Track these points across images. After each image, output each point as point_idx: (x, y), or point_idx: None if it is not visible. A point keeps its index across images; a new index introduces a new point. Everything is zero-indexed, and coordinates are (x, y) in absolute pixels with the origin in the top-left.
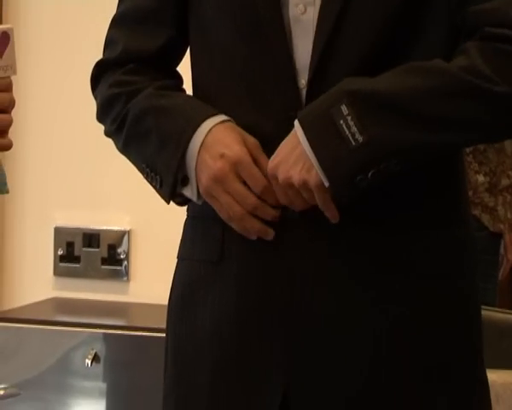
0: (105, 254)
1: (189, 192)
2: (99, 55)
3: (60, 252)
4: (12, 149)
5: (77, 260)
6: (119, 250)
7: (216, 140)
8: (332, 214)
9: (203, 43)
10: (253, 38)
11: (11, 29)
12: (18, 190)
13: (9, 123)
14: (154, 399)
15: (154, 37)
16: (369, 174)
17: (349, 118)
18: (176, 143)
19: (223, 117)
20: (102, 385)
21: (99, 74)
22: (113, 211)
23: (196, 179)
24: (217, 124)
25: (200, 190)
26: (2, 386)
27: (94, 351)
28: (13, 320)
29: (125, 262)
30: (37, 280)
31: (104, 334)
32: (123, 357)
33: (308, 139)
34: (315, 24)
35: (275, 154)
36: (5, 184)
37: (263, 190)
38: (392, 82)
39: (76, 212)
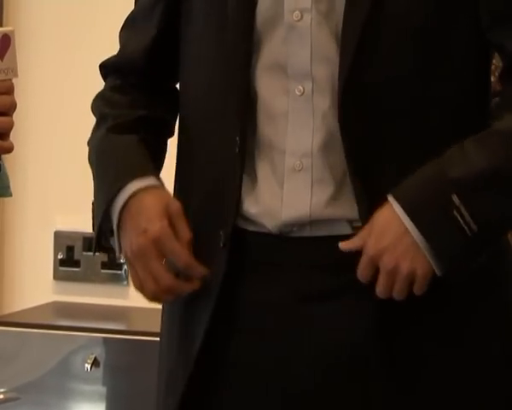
0: (105, 259)
1: (113, 243)
2: (101, 58)
3: (60, 256)
4: (12, 153)
5: (77, 264)
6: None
7: (139, 210)
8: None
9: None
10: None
11: (12, 31)
12: (18, 194)
13: (10, 126)
14: (153, 403)
15: (144, 34)
16: (482, 256)
17: (462, 208)
18: (104, 195)
19: (150, 181)
20: (102, 389)
21: (104, 77)
22: None
23: (119, 239)
24: (141, 189)
25: (122, 254)
26: (2, 390)
27: (94, 355)
28: (13, 324)
29: (125, 266)
30: (37, 284)
31: (104, 338)
32: (123, 361)
33: (419, 230)
34: (311, 31)
35: (373, 236)
36: (8, 187)
37: (185, 265)
38: (485, 157)
39: (76, 216)
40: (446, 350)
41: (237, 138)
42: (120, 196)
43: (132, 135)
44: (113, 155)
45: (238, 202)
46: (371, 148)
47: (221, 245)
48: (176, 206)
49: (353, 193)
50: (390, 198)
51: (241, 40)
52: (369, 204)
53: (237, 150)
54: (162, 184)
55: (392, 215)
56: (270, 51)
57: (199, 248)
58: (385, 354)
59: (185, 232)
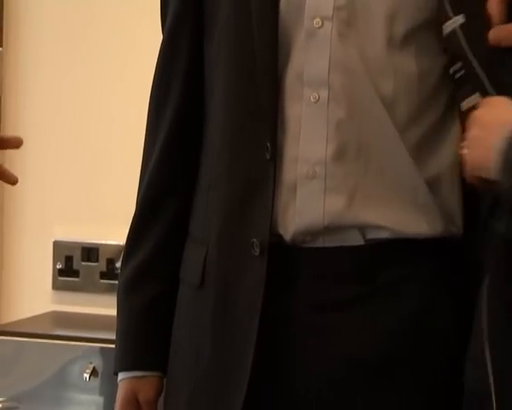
0: (104, 269)
1: None
2: (99, 64)
3: (59, 266)
4: (11, 163)
5: (76, 274)
6: (118, 265)
7: (118, 396)
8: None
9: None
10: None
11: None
12: (17, 204)
13: None
14: None
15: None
16: None
17: None
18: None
19: (134, 373)
20: (100, 399)
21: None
22: (112, 225)
23: None
24: (124, 379)
25: None
26: (1, 399)
27: (92, 365)
28: (11, 334)
29: None
30: (36, 294)
31: (102, 348)
32: None
33: None
34: (331, 39)
35: None
36: None
37: None
38: None
39: (75, 226)
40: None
41: (268, 144)
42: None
43: (146, 295)
44: (121, 324)
45: (272, 209)
46: None
47: (256, 254)
48: (144, 397)
49: None
50: None
51: (267, 45)
52: None
53: (269, 156)
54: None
55: None
56: (289, 56)
57: (227, 259)
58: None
59: None
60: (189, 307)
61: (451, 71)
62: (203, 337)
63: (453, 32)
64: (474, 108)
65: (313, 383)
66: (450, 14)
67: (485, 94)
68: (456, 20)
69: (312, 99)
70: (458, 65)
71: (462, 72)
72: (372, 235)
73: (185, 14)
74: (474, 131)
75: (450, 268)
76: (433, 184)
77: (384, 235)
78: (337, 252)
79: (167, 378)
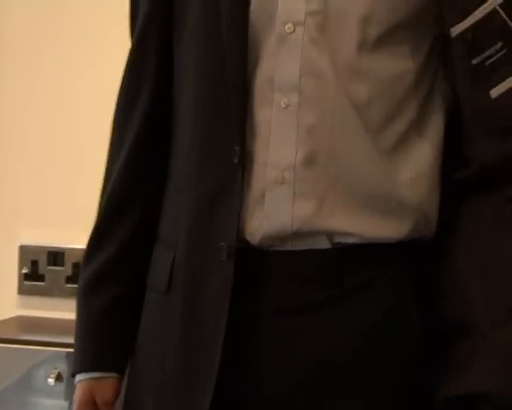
0: (69, 273)
1: None
2: (69, 66)
3: (24, 270)
4: None
5: (41, 278)
6: None
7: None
8: None
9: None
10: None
11: None
12: None
13: None
14: None
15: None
16: None
17: None
18: None
19: (91, 375)
20: (65, 404)
21: None
22: (78, 230)
23: None
24: (82, 380)
25: None
26: None
27: (57, 370)
28: None
29: None
30: (2, 298)
31: (68, 353)
32: None
33: None
34: (303, 45)
35: None
36: None
37: None
38: None
39: (41, 230)
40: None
41: (236, 148)
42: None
43: (107, 297)
44: (80, 326)
45: (240, 214)
46: None
47: (224, 257)
48: (101, 398)
49: None
50: None
51: (236, 49)
52: None
53: (237, 160)
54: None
55: None
56: (259, 61)
57: (195, 261)
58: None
59: None
60: (156, 312)
61: (476, 62)
62: (170, 340)
63: (492, 12)
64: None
65: (280, 387)
66: None
67: None
68: (495, 0)
69: (283, 104)
70: (495, 48)
71: (502, 53)
72: (339, 239)
73: (155, 16)
74: None
75: (419, 270)
76: (409, 186)
77: (352, 240)
78: (305, 255)
79: (130, 382)
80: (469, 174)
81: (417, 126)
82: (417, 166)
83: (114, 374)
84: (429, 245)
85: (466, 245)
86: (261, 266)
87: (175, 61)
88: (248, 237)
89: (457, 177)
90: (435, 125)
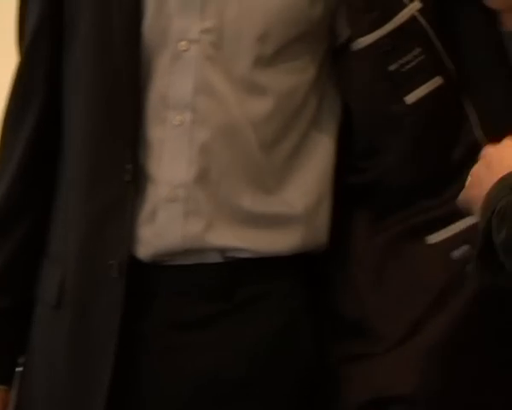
0: None
1: None
2: None
3: None
4: None
5: None
6: None
7: None
8: None
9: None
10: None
11: None
12: None
13: None
14: None
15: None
16: None
17: None
18: None
19: None
20: None
21: None
22: None
23: None
24: None
25: None
26: None
27: None
28: None
29: None
30: None
31: None
32: None
33: None
34: (197, 63)
35: None
36: None
37: None
38: None
39: None
40: None
41: (128, 166)
42: None
43: None
44: None
45: (131, 231)
46: None
47: (114, 275)
48: None
49: None
50: None
51: (129, 66)
52: None
53: (129, 178)
54: None
55: None
56: (153, 78)
57: (85, 278)
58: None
59: None
60: (46, 326)
61: (393, 68)
62: (59, 355)
63: (411, 19)
64: (430, 94)
65: (171, 402)
66: (405, 1)
67: (448, 76)
68: (414, 6)
69: (176, 122)
70: (413, 54)
71: (420, 59)
72: (231, 254)
73: (47, 18)
74: (478, 168)
75: (311, 282)
76: (298, 201)
77: (243, 255)
78: (196, 270)
79: (20, 394)
80: (364, 181)
81: (309, 139)
82: (307, 180)
83: (2, 386)
84: (324, 255)
85: (358, 256)
86: (152, 281)
87: (65, 70)
88: (140, 255)
89: (351, 183)
90: (326, 138)
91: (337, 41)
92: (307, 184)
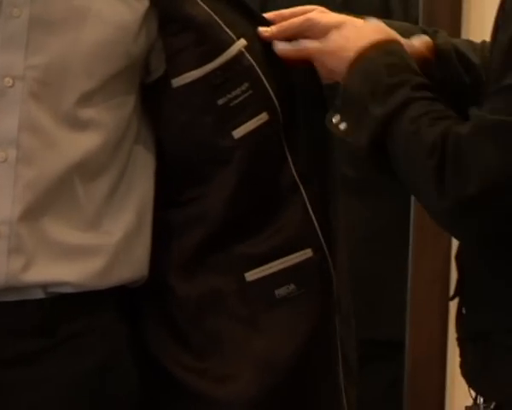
0: None
1: None
2: None
3: None
4: None
5: None
6: None
7: None
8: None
9: None
10: None
11: None
12: None
13: None
14: None
15: None
16: None
17: None
18: None
19: None
20: None
21: None
22: None
23: None
24: None
25: None
26: None
27: None
28: None
29: None
30: None
31: None
32: None
33: None
34: (22, 99)
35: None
36: None
37: None
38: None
39: None
40: None
41: None
42: None
43: None
44: None
45: None
46: None
47: None
48: None
49: None
50: None
51: None
52: None
53: None
54: None
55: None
56: None
57: None
58: None
59: None
60: None
61: (222, 102)
62: None
63: (239, 55)
64: (257, 129)
65: None
66: (233, 37)
67: (274, 112)
68: (240, 43)
69: (0, 158)
70: (241, 89)
71: (247, 94)
72: (53, 290)
73: None
74: (335, 39)
75: (133, 315)
76: (115, 237)
77: (65, 290)
78: (18, 306)
79: None
80: (185, 215)
81: (128, 172)
82: (124, 216)
83: None
84: (146, 288)
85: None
86: None
87: None
88: None
89: (172, 217)
90: (144, 171)
91: (151, 76)
92: (126, 217)
